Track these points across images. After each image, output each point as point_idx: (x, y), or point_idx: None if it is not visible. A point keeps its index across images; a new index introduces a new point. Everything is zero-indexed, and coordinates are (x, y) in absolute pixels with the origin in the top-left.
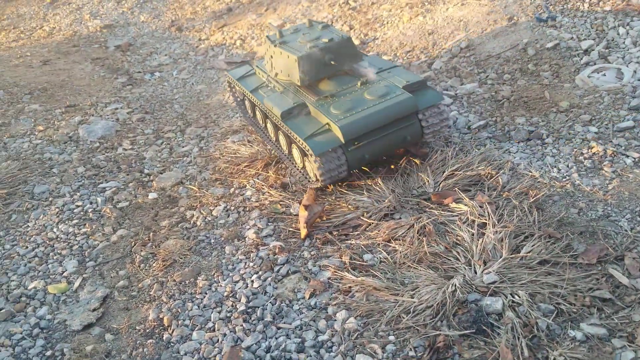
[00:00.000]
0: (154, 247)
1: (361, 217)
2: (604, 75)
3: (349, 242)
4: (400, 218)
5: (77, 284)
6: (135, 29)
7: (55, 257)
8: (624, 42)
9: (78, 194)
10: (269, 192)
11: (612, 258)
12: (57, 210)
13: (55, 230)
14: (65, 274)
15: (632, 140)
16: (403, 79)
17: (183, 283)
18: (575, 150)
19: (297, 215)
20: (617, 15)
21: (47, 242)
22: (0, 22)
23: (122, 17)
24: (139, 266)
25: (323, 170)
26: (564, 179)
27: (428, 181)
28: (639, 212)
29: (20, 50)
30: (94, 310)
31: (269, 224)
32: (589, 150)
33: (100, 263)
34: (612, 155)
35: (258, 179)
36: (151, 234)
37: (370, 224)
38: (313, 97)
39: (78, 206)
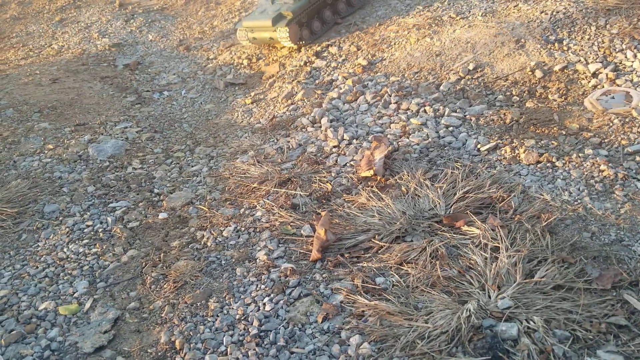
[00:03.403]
0: (164, 268)
1: (372, 240)
2: (613, 98)
3: (360, 264)
4: (412, 241)
5: (88, 305)
6: (144, 48)
7: (65, 278)
8: (631, 65)
9: (88, 213)
10: (279, 213)
11: (627, 283)
12: (67, 229)
13: (65, 250)
14: (75, 294)
15: None
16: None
17: (194, 305)
18: (586, 173)
19: (308, 236)
20: (624, 39)
21: (58, 262)
22: (10, 39)
23: (131, 35)
24: (150, 287)
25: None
26: (575, 203)
27: (439, 203)
28: None
29: (30, 68)
30: (105, 332)
31: (280, 245)
32: (600, 173)
33: (111, 284)
34: (623, 178)
35: (268, 199)
36: (162, 254)
37: (382, 247)
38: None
39: (88, 226)
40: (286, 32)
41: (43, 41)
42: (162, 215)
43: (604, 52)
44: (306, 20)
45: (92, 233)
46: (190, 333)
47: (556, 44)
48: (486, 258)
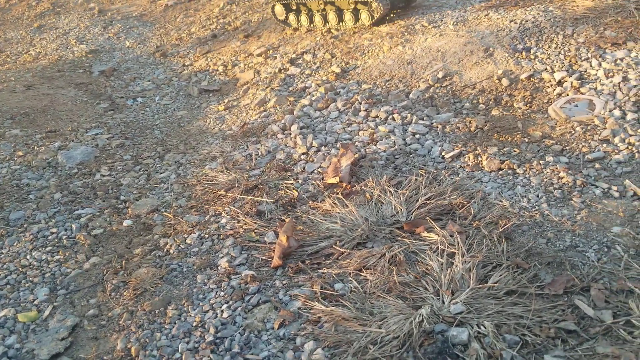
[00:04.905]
0: (125, 275)
1: (334, 246)
2: (576, 106)
3: (320, 271)
4: (372, 247)
5: (47, 312)
6: (121, 54)
7: (27, 285)
8: (596, 74)
9: (53, 220)
10: (244, 220)
11: (578, 289)
12: (31, 237)
13: (28, 257)
14: (36, 302)
15: (601, 171)
16: None
17: (153, 312)
18: (545, 180)
19: (271, 243)
20: (590, 48)
21: (20, 269)
22: None
23: (108, 42)
24: (110, 295)
25: None
26: (533, 209)
27: (401, 210)
28: (606, 242)
29: (5, 74)
30: (63, 339)
31: (243, 252)
32: (559, 180)
33: (72, 291)
34: (582, 185)
35: (234, 206)
36: (124, 262)
37: (342, 253)
38: None
39: (53, 233)
40: (271, 7)
41: (21, 47)
42: (127, 223)
43: (570, 61)
44: (295, 9)
45: (55, 240)
46: (147, 340)
47: (524, 53)
48: (442, 263)
